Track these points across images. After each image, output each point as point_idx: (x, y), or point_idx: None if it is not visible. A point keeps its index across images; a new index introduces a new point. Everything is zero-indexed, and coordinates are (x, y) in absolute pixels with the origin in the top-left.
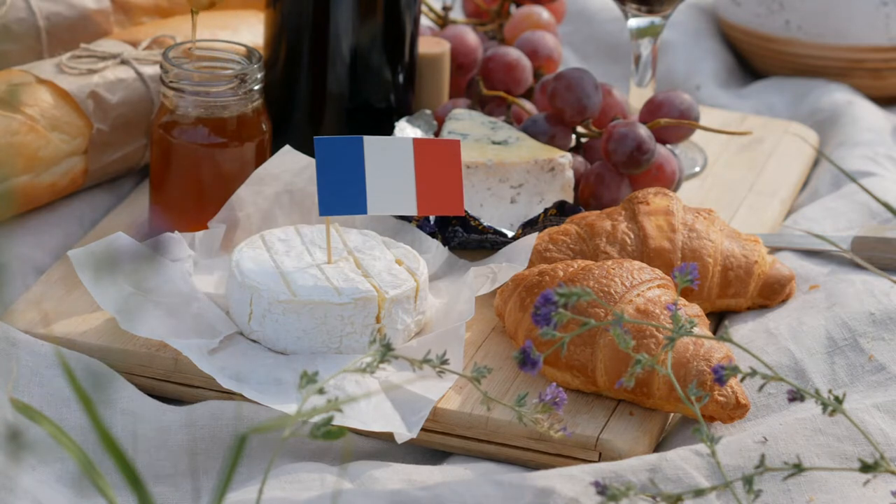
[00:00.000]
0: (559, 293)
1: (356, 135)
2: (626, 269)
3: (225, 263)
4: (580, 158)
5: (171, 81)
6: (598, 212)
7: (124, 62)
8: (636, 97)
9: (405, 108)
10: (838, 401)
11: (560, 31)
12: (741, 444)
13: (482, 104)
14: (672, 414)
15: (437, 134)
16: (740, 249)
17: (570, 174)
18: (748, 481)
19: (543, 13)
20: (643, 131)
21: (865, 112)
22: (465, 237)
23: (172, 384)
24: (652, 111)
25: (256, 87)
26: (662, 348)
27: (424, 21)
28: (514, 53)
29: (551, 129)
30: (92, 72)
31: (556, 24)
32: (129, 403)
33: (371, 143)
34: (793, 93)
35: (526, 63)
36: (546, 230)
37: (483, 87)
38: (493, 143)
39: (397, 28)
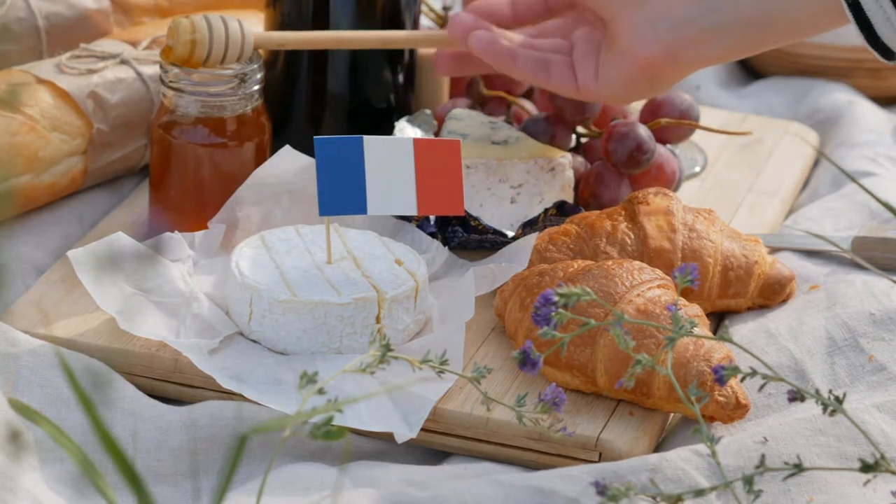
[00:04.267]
0: (559, 293)
1: (356, 135)
2: (626, 269)
3: (225, 263)
4: (580, 158)
5: (171, 81)
6: (598, 212)
7: (124, 62)
8: None
9: (405, 108)
10: (838, 401)
11: None
12: (741, 445)
13: (482, 104)
14: (672, 414)
15: (437, 134)
16: (740, 249)
17: (570, 174)
18: (748, 481)
19: None
20: (643, 131)
21: (865, 112)
22: (465, 237)
23: (172, 384)
24: (652, 111)
25: (256, 87)
26: (662, 348)
27: (424, 21)
28: None
29: (551, 129)
30: (92, 72)
31: None
32: (129, 403)
33: (371, 143)
34: (793, 93)
35: None
36: (546, 230)
37: (483, 87)
38: (493, 143)
39: (397, 28)
